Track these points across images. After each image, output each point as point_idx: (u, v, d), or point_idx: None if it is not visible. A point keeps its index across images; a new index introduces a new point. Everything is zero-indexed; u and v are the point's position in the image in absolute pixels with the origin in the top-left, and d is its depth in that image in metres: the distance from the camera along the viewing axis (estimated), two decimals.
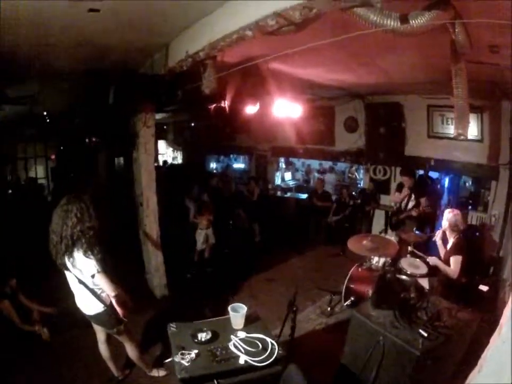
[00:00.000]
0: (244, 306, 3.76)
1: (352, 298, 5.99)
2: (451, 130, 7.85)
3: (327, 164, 13.96)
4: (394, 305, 3.77)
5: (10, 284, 5.60)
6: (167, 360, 4.10)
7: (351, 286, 6.08)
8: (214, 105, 6.34)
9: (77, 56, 5.09)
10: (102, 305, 3.98)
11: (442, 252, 5.56)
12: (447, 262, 5.25)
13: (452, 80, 3.11)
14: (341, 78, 6.79)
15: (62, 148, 14.68)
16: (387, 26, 2.44)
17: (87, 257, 3.71)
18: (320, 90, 8.50)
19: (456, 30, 2.72)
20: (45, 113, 9.56)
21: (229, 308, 3.73)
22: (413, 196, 7.70)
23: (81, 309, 4.14)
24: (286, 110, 7.12)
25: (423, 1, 2.47)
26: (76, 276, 3.87)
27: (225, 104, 6.20)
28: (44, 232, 3.91)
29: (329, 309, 6.40)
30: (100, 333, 4.45)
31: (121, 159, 14.37)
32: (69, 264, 3.79)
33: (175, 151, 18.86)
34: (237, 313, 3.68)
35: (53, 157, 15.13)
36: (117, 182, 12.25)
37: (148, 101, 6.02)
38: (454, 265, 5.12)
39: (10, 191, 12.83)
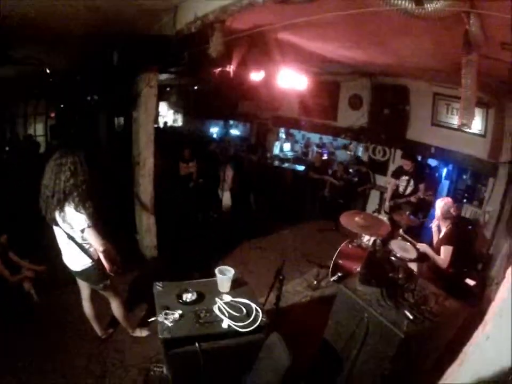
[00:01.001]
0: (231, 269, 3.76)
1: (339, 274, 6.00)
2: (455, 120, 7.85)
3: (327, 139, 13.94)
4: (382, 283, 3.78)
5: (1, 240, 5.57)
6: (151, 319, 4.11)
7: (340, 261, 6.10)
8: (219, 69, 6.28)
9: (84, 18, 4.90)
10: (90, 261, 4.00)
11: (435, 240, 5.59)
12: (438, 251, 5.27)
13: (461, 70, 3.08)
14: (351, 55, 6.66)
15: (62, 105, 14.53)
16: (401, 6, 2.40)
17: (78, 211, 3.70)
18: (327, 64, 8.36)
19: (471, 21, 2.67)
20: (48, 71, 9.44)
21: (216, 270, 3.72)
22: (412, 182, 7.77)
23: (68, 266, 4.15)
24: (291, 81, 7.05)
25: None
26: (64, 231, 3.87)
27: (230, 68, 6.14)
28: (36, 189, 3.89)
29: (315, 282, 6.48)
30: (85, 291, 4.47)
31: (121, 119, 14.27)
32: (59, 219, 3.78)
33: (176, 113, 18.77)
34: (224, 275, 3.67)
35: (52, 114, 14.98)
36: (115, 142, 12.19)
37: (154, 61, 5.91)
38: (444, 254, 5.14)
39: (7, 148, 12.76)
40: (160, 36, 5.36)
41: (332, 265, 6.15)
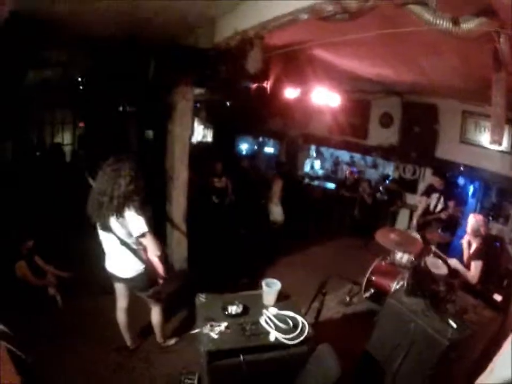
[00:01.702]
0: (277, 282, 3.73)
1: (372, 291, 6.06)
2: (483, 138, 7.90)
3: (356, 157, 13.90)
4: (426, 295, 3.88)
5: (27, 245, 5.59)
6: (194, 331, 4.01)
7: (372, 278, 6.10)
8: (256, 85, 6.34)
9: (118, 23, 5.01)
10: (143, 266, 4.02)
11: (466, 255, 5.60)
12: (468, 266, 5.31)
13: (490, 88, 3.13)
14: (381, 72, 6.73)
15: (92, 115, 14.70)
16: (439, 26, 2.49)
17: (139, 215, 3.74)
18: (359, 83, 8.43)
19: (501, 40, 2.74)
20: (79, 79, 9.54)
21: (263, 282, 3.69)
22: (441, 199, 7.75)
23: (113, 273, 4.15)
24: (324, 99, 7.12)
25: (470, 8, 2.50)
26: (118, 237, 3.88)
27: (267, 85, 6.20)
28: (65, 196, 3.88)
29: (348, 298, 6.47)
30: (123, 300, 4.45)
31: (150, 132, 14.39)
32: (114, 225, 3.80)
33: (206, 129, 18.91)
34: (271, 288, 3.65)
35: (81, 124, 15.09)
36: (146, 153, 12.29)
37: (191, 74, 5.99)
38: (474, 270, 5.16)
39: (37, 154, 12.89)
40: (198, 49, 5.42)
41: (365, 281, 6.15)
